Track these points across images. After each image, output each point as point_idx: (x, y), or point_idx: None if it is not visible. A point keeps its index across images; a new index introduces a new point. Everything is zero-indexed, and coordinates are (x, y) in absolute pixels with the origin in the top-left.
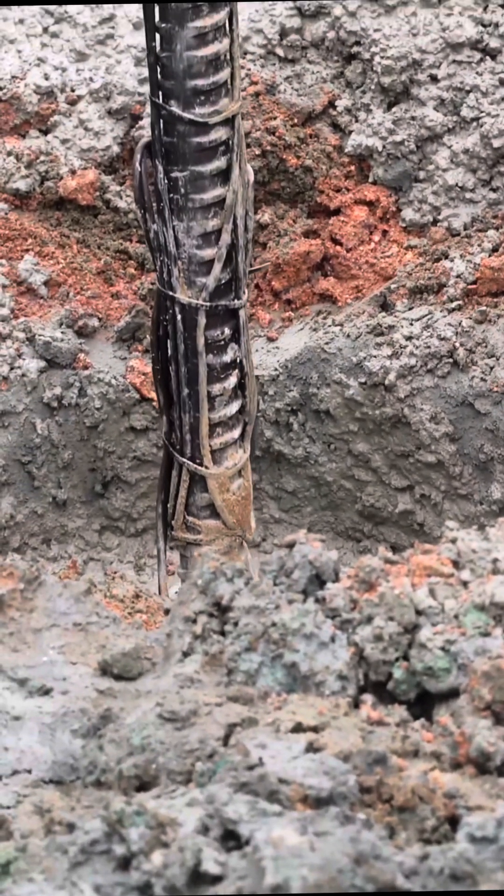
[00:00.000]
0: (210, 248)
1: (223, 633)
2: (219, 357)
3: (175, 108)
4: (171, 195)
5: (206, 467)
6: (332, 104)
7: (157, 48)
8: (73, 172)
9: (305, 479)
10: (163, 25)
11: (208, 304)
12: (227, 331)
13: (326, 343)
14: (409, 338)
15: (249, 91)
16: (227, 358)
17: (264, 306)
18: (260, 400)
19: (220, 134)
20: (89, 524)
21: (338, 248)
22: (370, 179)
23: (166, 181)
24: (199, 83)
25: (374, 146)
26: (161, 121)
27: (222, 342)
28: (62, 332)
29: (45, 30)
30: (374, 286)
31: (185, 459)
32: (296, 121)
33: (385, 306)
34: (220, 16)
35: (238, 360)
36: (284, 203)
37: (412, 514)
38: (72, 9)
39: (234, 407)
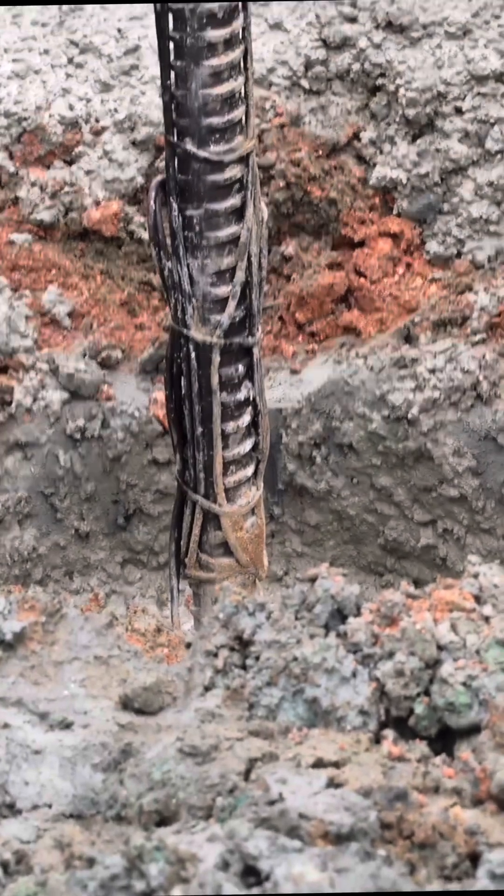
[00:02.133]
0: (224, 286)
1: (244, 668)
2: (233, 395)
3: (190, 146)
4: (186, 233)
5: (220, 505)
6: (356, 136)
7: (172, 86)
8: (97, 203)
9: (328, 512)
10: (178, 63)
11: (223, 341)
12: (241, 368)
13: (350, 376)
14: (432, 371)
15: (274, 123)
16: (241, 396)
17: (288, 339)
18: (283, 433)
19: (234, 172)
20: (112, 557)
21: (362, 280)
22: (394, 212)
23: (181, 219)
24: (214, 121)
25: (399, 178)
26: (176, 159)
27: (236, 380)
28: (85, 364)
29: (70, 60)
30: (397, 319)
31: (198, 497)
32: (320, 153)
33: (409, 339)
34: (236, 54)
35: (252, 398)
36: (308, 235)
37: (435, 548)
38: (97, 39)
39: (248, 445)
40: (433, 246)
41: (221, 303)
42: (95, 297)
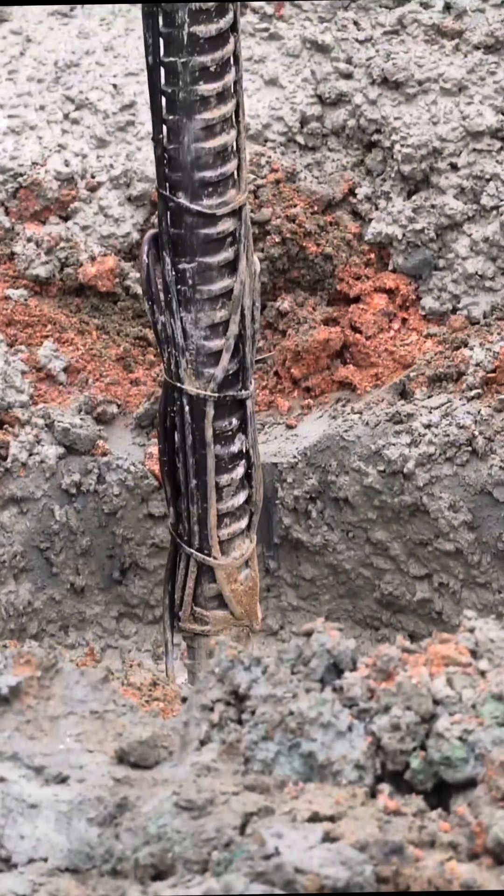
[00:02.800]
0: (218, 339)
1: (240, 722)
2: (227, 448)
3: (183, 200)
4: (179, 287)
5: (215, 558)
6: (352, 192)
7: (165, 140)
8: (92, 259)
9: (324, 566)
10: (170, 118)
11: (217, 395)
12: (234, 421)
13: (345, 431)
14: (427, 426)
15: (270, 178)
16: (235, 448)
17: (284, 394)
18: (279, 487)
19: (227, 225)
20: (107, 611)
21: (357, 335)
22: (390, 267)
23: (174, 273)
24: (206, 175)
25: (394, 234)
26: (168, 212)
27: (230, 433)
28: (81, 419)
29: (66, 116)
30: (393, 374)
31: (192, 550)
32: (316, 208)
33: (404, 394)
34: (228, 108)
35: (245, 451)
36: (304, 290)
37: (430, 602)
38: (92, 95)
39: (242, 497)
40: (429, 301)
41: (215, 356)
42: (91, 352)
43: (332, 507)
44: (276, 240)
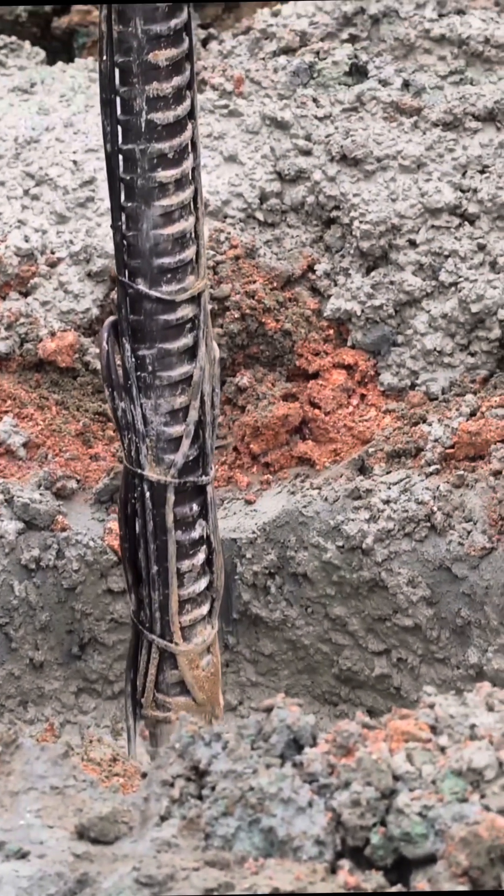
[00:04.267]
0: (178, 426)
1: (201, 798)
2: (187, 533)
3: (142, 287)
4: (139, 373)
5: (177, 644)
6: (311, 268)
7: (123, 227)
8: (52, 334)
9: (283, 642)
10: (128, 204)
11: (177, 480)
12: (195, 507)
13: (304, 506)
14: (386, 501)
15: (229, 255)
16: (196, 534)
17: (243, 469)
18: (238, 563)
19: (186, 311)
20: (66, 686)
21: (316, 411)
22: (349, 343)
23: (133, 359)
24: (165, 261)
25: (353, 310)
26: (128, 299)
27: (191, 518)
28: (41, 494)
29: (26, 192)
30: (352, 450)
31: (154, 637)
32: (275, 284)
33: (363, 470)
34: (186, 194)
35: (206, 536)
36: (263, 366)
37: (389, 677)
38: (52, 171)
39: (203, 583)
40: (387, 377)
41: (175, 442)
42: (51, 427)
43: (291, 583)
44: (236, 315)
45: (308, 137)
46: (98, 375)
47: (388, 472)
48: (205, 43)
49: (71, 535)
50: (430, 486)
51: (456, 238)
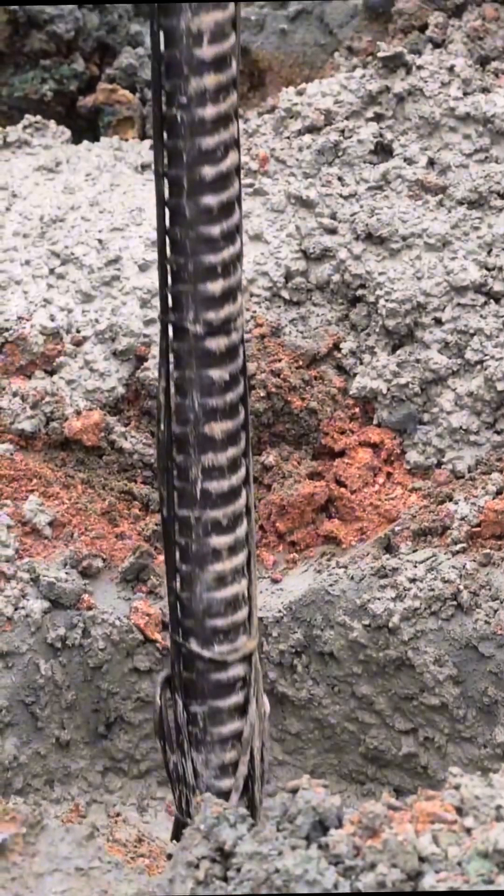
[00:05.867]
0: (227, 779)
1: (226, 879)
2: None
3: (195, 647)
4: (190, 728)
5: None
6: (336, 346)
7: (178, 588)
8: (78, 413)
9: (309, 720)
10: (183, 567)
11: None
12: None
13: (330, 585)
14: (413, 580)
15: (255, 333)
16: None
17: (269, 548)
18: (264, 642)
19: (238, 671)
20: (92, 765)
21: (342, 490)
22: (375, 422)
23: (185, 715)
24: (218, 623)
25: (379, 389)
26: (181, 657)
27: None
28: (66, 573)
29: (52, 271)
30: (378, 528)
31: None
32: (300, 363)
33: (389, 548)
34: (240, 558)
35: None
36: (289, 445)
37: (416, 756)
38: (78, 250)
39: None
40: (413, 456)
41: (224, 796)
42: (76, 506)
43: (318, 662)
44: (261, 394)
45: (333, 216)
46: (123, 454)
47: (414, 551)
48: None
49: (97, 613)
50: (457, 565)
51: (481, 316)
